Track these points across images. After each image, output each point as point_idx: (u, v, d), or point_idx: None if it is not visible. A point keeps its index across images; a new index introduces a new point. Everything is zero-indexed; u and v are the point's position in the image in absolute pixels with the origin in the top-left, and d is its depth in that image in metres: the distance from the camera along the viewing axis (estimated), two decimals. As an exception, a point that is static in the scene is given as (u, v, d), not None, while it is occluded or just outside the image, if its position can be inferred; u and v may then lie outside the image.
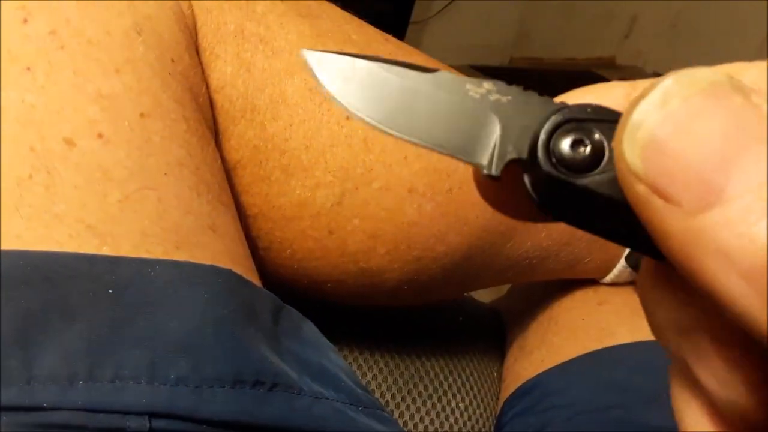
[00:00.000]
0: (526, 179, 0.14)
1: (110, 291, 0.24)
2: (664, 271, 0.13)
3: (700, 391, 0.13)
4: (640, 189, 0.11)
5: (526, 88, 0.14)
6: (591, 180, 0.13)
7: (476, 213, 0.36)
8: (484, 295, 0.55)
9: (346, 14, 0.37)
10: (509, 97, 0.14)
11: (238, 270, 0.28)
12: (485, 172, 0.14)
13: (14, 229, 0.24)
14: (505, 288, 0.59)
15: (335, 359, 0.31)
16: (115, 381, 0.23)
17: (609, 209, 0.13)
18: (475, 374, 0.44)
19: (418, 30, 2.22)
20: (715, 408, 0.13)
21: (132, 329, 0.24)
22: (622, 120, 0.12)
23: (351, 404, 0.30)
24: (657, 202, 0.11)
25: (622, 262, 0.42)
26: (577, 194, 0.13)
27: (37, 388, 0.22)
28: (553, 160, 0.13)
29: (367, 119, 0.14)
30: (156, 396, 0.23)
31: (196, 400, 0.24)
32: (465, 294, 0.51)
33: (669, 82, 0.11)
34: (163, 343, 0.24)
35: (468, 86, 0.14)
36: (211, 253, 0.28)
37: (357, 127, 0.33)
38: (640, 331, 0.41)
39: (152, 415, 0.23)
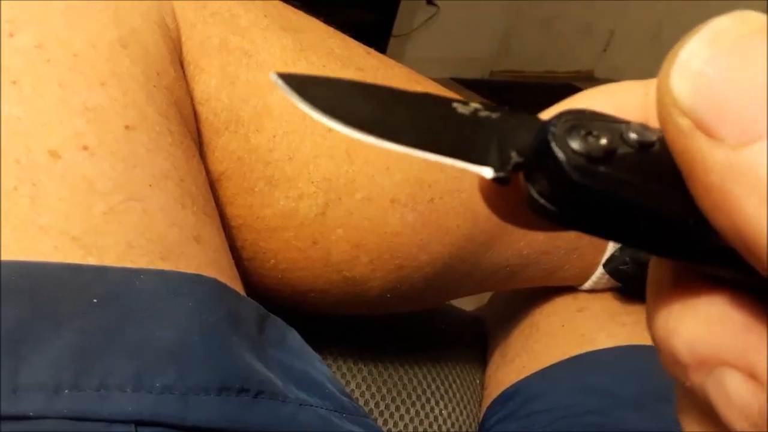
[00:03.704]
0: (532, 188, 0.13)
1: (95, 300, 0.24)
2: (687, 283, 0.13)
3: (718, 426, 0.13)
4: (684, 123, 0.11)
5: (511, 107, 0.14)
6: (609, 168, 0.12)
7: (457, 222, 0.37)
8: (466, 304, 0.55)
9: (329, 28, 0.38)
10: (498, 114, 0.14)
11: (223, 280, 0.29)
12: (493, 175, 0.13)
13: (0, 241, 0.24)
14: (486, 296, 0.60)
15: (320, 367, 0.32)
16: (100, 389, 0.23)
17: (628, 199, 0.12)
18: (458, 381, 0.45)
19: (399, 43, 2.24)
20: None
21: (118, 338, 0.24)
22: (670, 55, 0.12)
23: (335, 411, 0.30)
24: (699, 137, 0.11)
25: (600, 269, 0.43)
26: (595, 185, 0.12)
27: (23, 397, 0.22)
28: (569, 151, 0.12)
29: (359, 134, 0.14)
30: (142, 404, 0.24)
31: (182, 408, 0.24)
32: (447, 302, 0.51)
33: (722, 20, 0.12)
34: (149, 351, 0.25)
35: (455, 104, 0.14)
36: (196, 263, 0.28)
37: (340, 139, 0.34)
38: (619, 337, 0.41)
39: (138, 423, 0.24)
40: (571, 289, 0.46)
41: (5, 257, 0.24)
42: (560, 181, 0.12)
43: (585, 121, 0.13)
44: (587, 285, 0.44)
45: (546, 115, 0.14)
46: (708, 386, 0.12)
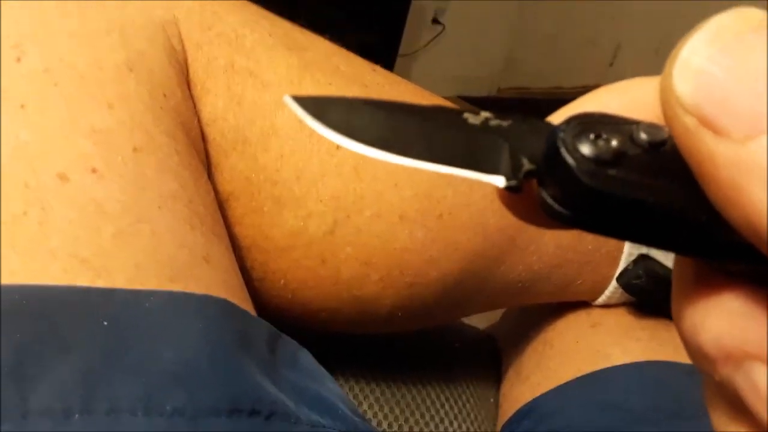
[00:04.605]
0: (544, 193, 0.13)
1: (105, 323, 0.24)
2: (709, 279, 0.13)
3: (748, 418, 0.13)
4: (689, 121, 0.11)
5: (522, 114, 0.14)
6: (619, 170, 0.12)
7: (467, 237, 0.36)
8: (478, 321, 0.55)
9: (334, 46, 0.38)
10: (509, 122, 0.14)
11: (233, 300, 0.28)
12: (505, 184, 0.14)
13: (9, 265, 0.24)
14: (498, 313, 0.59)
15: (332, 387, 0.31)
16: (110, 413, 0.23)
17: (640, 200, 0.12)
18: (472, 400, 0.44)
19: (406, 62, 2.25)
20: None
21: (127, 360, 0.24)
22: (672, 54, 0.12)
23: (348, 432, 0.30)
24: (705, 134, 0.11)
25: (614, 283, 0.42)
26: (606, 188, 0.12)
27: (33, 423, 0.22)
28: (578, 156, 0.12)
29: (373, 152, 0.14)
30: (152, 427, 0.23)
31: (193, 431, 0.24)
32: (459, 320, 0.51)
33: (722, 18, 0.12)
34: (159, 373, 0.24)
35: (465, 114, 0.14)
36: (206, 284, 0.28)
37: (347, 156, 0.34)
38: (634, 352, 0.41)
39: (149, 446, 0.23)
40: (584, 304, 0.45)
41: (15, 281, 0.24)
42: (572, 186, 0.13)
43: (594, 125, 0.13)
44: (600, 300, 0.43)
45: (557, 118, 0.14)
46: (736, 379, 0.13)
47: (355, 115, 0.14)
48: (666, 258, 0.41)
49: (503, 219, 0.37)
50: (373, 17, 1.93)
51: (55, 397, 0.22)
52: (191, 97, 0.32)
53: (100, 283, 0.25)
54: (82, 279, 0.25)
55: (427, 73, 2.31)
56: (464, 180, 0.37)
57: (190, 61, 0.32)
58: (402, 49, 2.13)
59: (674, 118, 0.12)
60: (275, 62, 0.34)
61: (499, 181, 0.14)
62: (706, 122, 0.11)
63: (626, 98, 0.15)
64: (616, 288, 0.42)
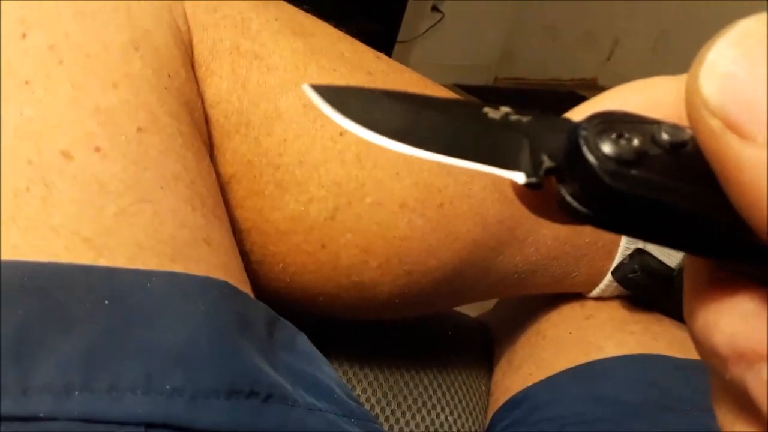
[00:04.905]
0: (564, 190, 0.13)
1: (106, 302, 0.24)
2: (724, 280, 0.13)
3: (756, 417, 0.13)
4: (714, 124, 0.11)
5: (541, 111, 0.14)
6: (641, 170, 0.12)
7: (467, 228, 0.36)
8: (469, 310, 0.55)
9: (339, 32, 0.38)
10: (529, 118, 0.14)
11: (233, 282, 0.28)
12: (525, 180, 0.14)
13: (11, 241, 0.24)
14: (490, 303, 0.59)
15: (328, 371, 0.32)
16: (111, 391, 0.23)
17: (661, 201, 0.12)
18: (464, 388, 0.45)
19: (404, 50, 2.24)
20: None
21: (128, 340, 0.24)
22: (698, 57, 0.12)
23: (344, 416, 0.30)
24: (731, 137, 0.11)
25: (609, 276, 0.42)
26: (627, 188, 0.12)
27: (33, 399, 0.22)
28: (600, 155, 0.12)
29: (393, 144, 0.14)
30: (152, 407, 0.24)
31: (192, 411, 0.24)
32: (452, 309, 0.51)
33: (747, 22, 0.12)
34: (160, 354, 0.24)
35: (485, 109, 0.14)
36: (206, 265, 0.28)
37: (350, 143, 0.34)
38: (627, 345, 0.41)
39: (148, 425, 0.23)
40: (578, 296, 0.45)
41: (17, 257, 0.24)
42: (593, 186, 0.13)
43: (616, 123, 0.13)
44: (595, 292, 0.44)
45: (576, 115, 0.14)
46: (747, 379, 0.13)
47: (375, 106, 0.14)
48: (662, 253, 0.41)
49: (503, 210, 0.37)
50: (373, 3, 1.92)
51: (56, 374, 0.23)
52: (195, 78, 0.32)
53: (102, 261, 0.25)
54: (84, 257, 0.25)
55: (424, 61, 2.30)
56: (465, 170, 0.37)
57: (195, 42, 0.32)
58: (400, 36, 2.12)
59: (699, 121, 0.12)
60: (281, 46, 0.34)
61: (520, 177, 0.14)
62: (731, 125, 0.11)
63: (646, 96, 0.15)
64: (610, 281, 0.43)
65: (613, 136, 0.13)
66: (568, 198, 0.13)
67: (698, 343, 0.14)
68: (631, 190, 0.12)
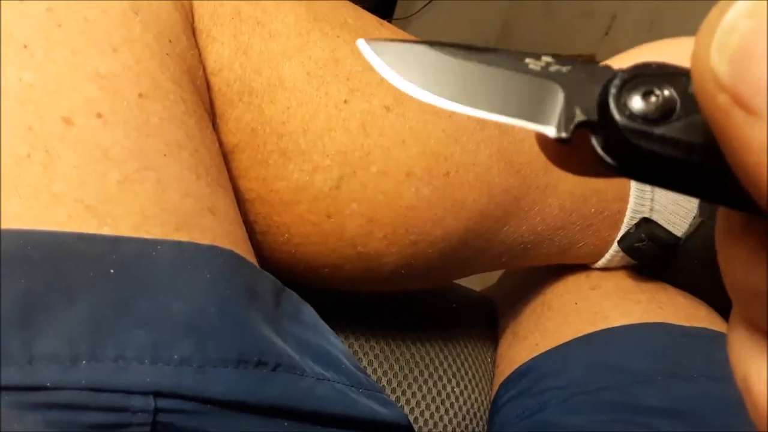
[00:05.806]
0: (595, 141, 0.14)
1: (112, 271, 0.24)
2: (746, 226, 0.13)
3: None
4: (722, 100, 0.11)
5: (584, 59, 0.14)
6: (667, 129, 0.13)
7: (473, 197, 0.36)
8: (473, 284, 0.55)
9: (342, -1, 0.37)
10: (569, 67, 0.14)
11: (238, 252, 0.28)
12: (555, 135, 0.14)
13: (13, 209, 0.23)
14: (493, 277, 0.59)
15: (335, 342, 0.31)
16: (118, 360, 0.23)
17: (685, 159, 0.13)
18: (470, 359, 0.44)
19: (401, 27, 2.21)
20: None
21: (135, 309, 0.24)
22: (706, 29, 0.11)
23: (352, 386, 0.30)
24: (738, 114, 0.11)
25: (614, 246, 0.42)
26: (652, 147, 0.13)
27: (39, 368, 0.22)
28: (627, 113, 0.13)
29: (428, 97, 0.14)
30: (160, 376, 0.23)
31: (200, 380, 0.24)
32: (457, 282, 0.51)
33: None
34: (166, 323, 0.24)
35: (527, 59, 0.14)
36: (211, 234, 0.27)
37: (354, 111, 0.33)
38: (633, 314, 0.41)
39: (157, 394, 0.23)
40: (584, 267, 0.45)
41: (19, 226, 0.23)
42: (618, 142, 0.13)
43: (650, 77, 0.13)
44: (601, 263, 0.43)
45: (618, 62, 0.14)
46: None
47: (430, 65, 0.14)
48: (668, 222, 0.41)
49: (509, 179, 0.37)
50: (368, -22, 1.90)
51: (62, 343, 0.22)
52: (197, 45, 0.31)
53: (106, 230, 0.24)
54: (87, 225, 0.24)
55: (421, 37, 2.28)
56: (471, 138, 0.37)
57: (195, 7, 0.31)
58: (397, 14, 2.10)
59: (706, 94, 0.11)
60: (283, 12, 0.33)
61: (550, 131, 0.14)
62: (739, 100, 0.11)
63: (671, 55, 0.14)
64: (616, 251, 0.42)
65: (644, 91, 0.13)
66: (598, 149, 0.14)
67: (735, 291, 0.14)
68: (655, 148, 0.13)
